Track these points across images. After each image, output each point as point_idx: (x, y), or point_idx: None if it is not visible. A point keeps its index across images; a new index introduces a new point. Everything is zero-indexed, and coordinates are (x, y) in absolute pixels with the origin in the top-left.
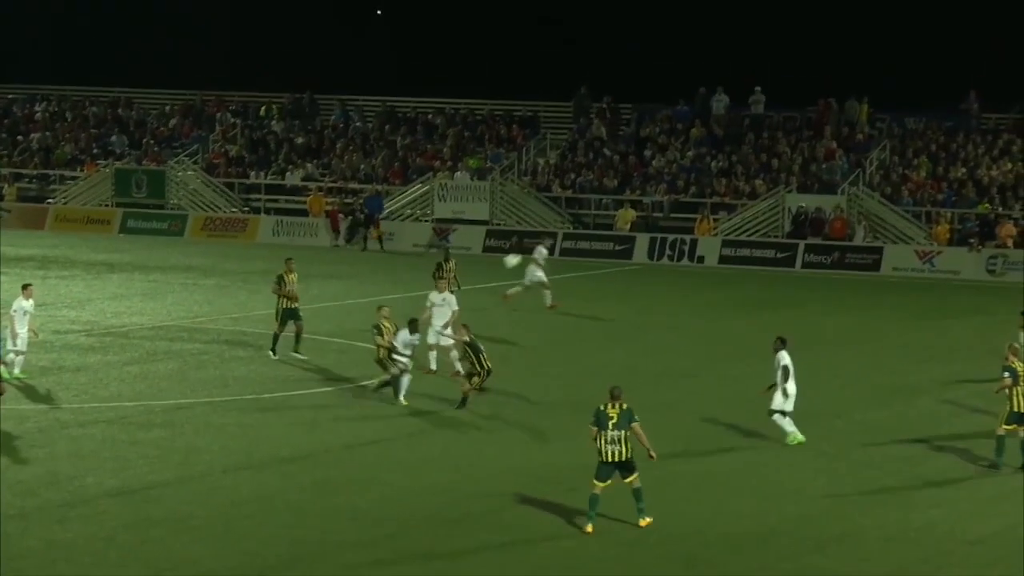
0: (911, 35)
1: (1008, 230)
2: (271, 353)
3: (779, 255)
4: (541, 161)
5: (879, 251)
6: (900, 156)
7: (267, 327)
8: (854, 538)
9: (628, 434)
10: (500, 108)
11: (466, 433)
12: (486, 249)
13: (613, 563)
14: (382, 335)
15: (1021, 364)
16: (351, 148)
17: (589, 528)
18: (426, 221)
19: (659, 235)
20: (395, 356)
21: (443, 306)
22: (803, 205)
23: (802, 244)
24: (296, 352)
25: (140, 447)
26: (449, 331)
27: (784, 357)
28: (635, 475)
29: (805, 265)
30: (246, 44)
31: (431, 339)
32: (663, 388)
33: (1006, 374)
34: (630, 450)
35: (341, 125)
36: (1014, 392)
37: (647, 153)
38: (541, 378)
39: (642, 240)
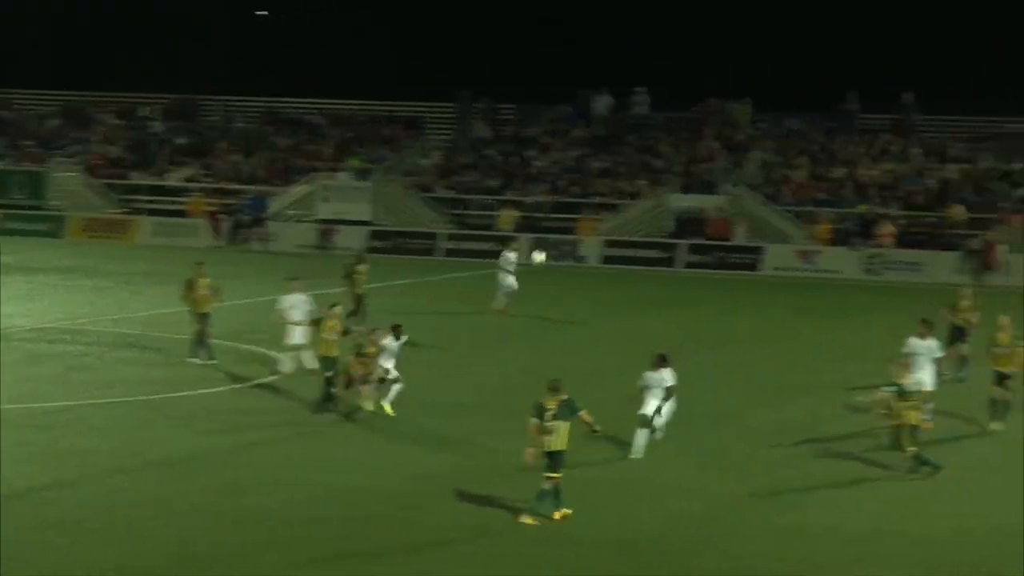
0: (792, 36)
1: (887, 229)
2: (192, 359)
3: (661, 255)
4: (423, 162)
5: (760, 251)
6: (781, 156)
7: (149, 328)
8: (743, 537)
9: (565, 427)
10: (382, 109)
11: (370, 433)
12: (369, 250)
13: (514, 564)
14: (318, 325)
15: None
16: (233, 149)
17: (529, 520)
18: (308, 222)
19: (541, 235)
20: (380, 364)
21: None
22: (685, 205)
23: (684, 244)
24: (203, 356)
25: (29, 448)
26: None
27: (668, 376)
28: (559, 475)
29: (687, 265)
30: (127, 45)
31: (298, 339)
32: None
33: (892, 389)
34: (565, 442)
35: (223, 126)
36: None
37: (529, 153)
38: (443, 378)
39: (524, 240)
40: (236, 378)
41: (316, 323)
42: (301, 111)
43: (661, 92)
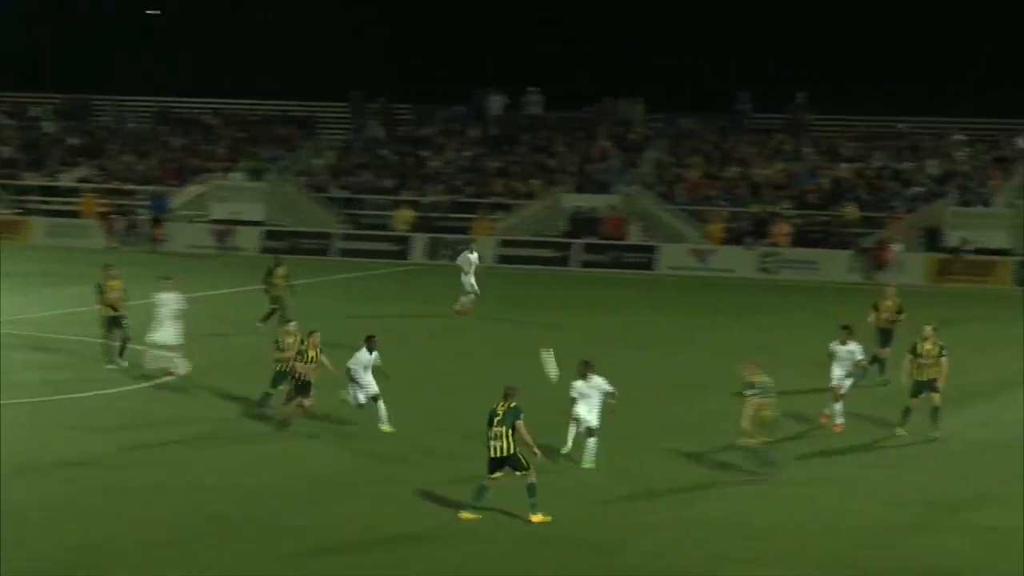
0: (684, 37)
1: (781, 228)
2: (110, 365)
3: (555, 254)
4: (318, 162)
5: (654, 250)
6: (674, 156)
7: (47, 330)
8: (640, 536)
9: (511, 431)
10: (276, 109)
11: (254, 437)
12: (263, 250)
13: (387, 567)
14: (281, 349)
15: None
16: (126, 149)
17: (468, 515)
18: (202, 222)
19: (436, 235)
20: (355, 380)
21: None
22: (579, 204)
23: (578, 243)
24: (119, 360)
25: None
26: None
27: (601, 382)
28: (527, 471)
29: (582, 264)
30: (18, 44)
31: (167, 339)
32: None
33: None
34: (512, 447)
35: (116, 126)
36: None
37: (424, 153)
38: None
39: (419, 240)
40: (138, 379)
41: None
42: (194, 111)
43: (555, 92)
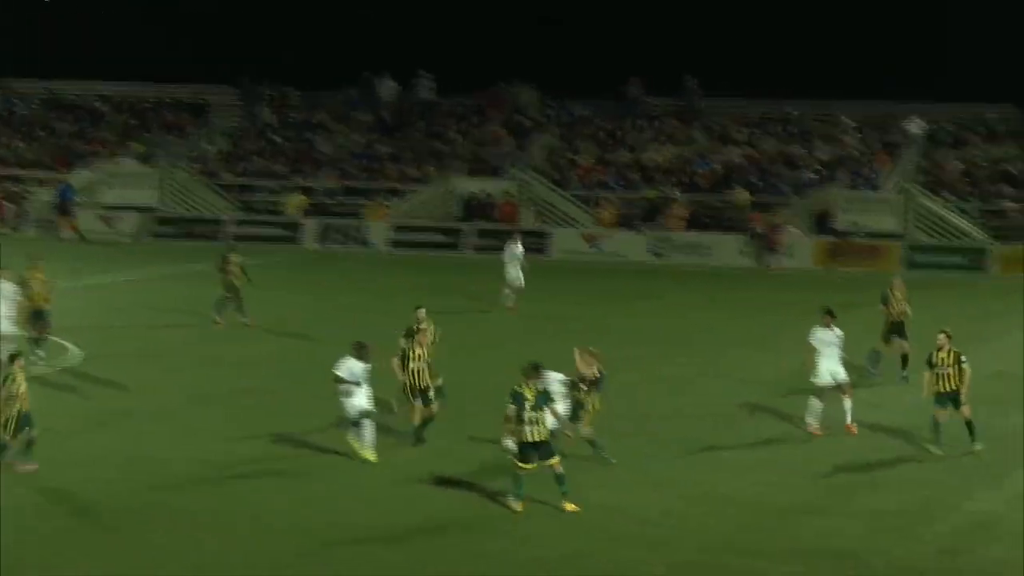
0: (575, 22)
1: (673, 213)
2: (31, 356)
3: (448, 239)
4: (209, 147)
5: (547, 235)
6: (567, 141)
7: None
8: (524, 519)
9: (544, 415)
10: (166, 94)
11: (136, 426)
12: (155, 235)
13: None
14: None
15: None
16: (13, 135)
17: (519, 506)
18: (92, 208)
19: (329, 220)
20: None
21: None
22: (472, 190)
23: (471, 228)
24: (39, 352)
25: None
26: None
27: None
28: (555, 459)
29: (474, 249)
30: None
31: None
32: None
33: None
34: (547, 432)
35: (2, 111)
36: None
37: (316, 139)
38: (209, 368)
39: (312, 225)
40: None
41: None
42: (83, 96)
43: (446, 77)
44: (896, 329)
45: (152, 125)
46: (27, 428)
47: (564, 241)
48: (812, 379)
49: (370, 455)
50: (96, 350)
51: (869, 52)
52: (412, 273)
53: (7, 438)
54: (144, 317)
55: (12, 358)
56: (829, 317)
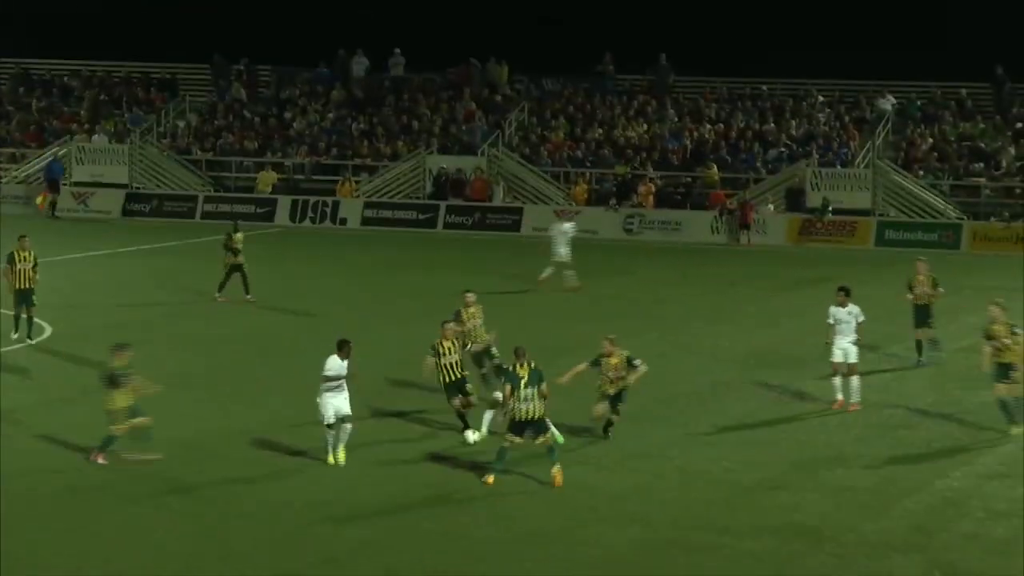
0: None
1: (645, 189)
2: (14, 334)
3: (421, 216)
4: (180, 124)
5: (519, 211)
6: (538, 117)
7: None
8: (496, 497)
9: (538, 392)
10: (137, 71)
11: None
12: (125, 213)
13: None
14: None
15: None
16: None
17: (490, 479)
18: (64, 185)
19: (301, 197)
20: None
21: None
22: (444, 166)
23: (443, 205)
24: (28, 338)
25: None
26: None
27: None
28: (548, 434)
29: (446, 226)
30: None
31: None
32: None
33: (637, 361)
34: (541, 409)
35: None
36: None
37: (287, 115)
38: (180, 344)
39: (284, 202)
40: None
41: None
42: (53, 73)
43: (418, 54)
44: (920, 313)
45: (123, 102)
46: (137, 417)
47: (536, 217)
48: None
49: (340, 457)
50: (65, 327)
51: (840, 29)
52: (386, 249)
53: (118, 429)
54: (115, 294)
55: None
56: (844, 295)
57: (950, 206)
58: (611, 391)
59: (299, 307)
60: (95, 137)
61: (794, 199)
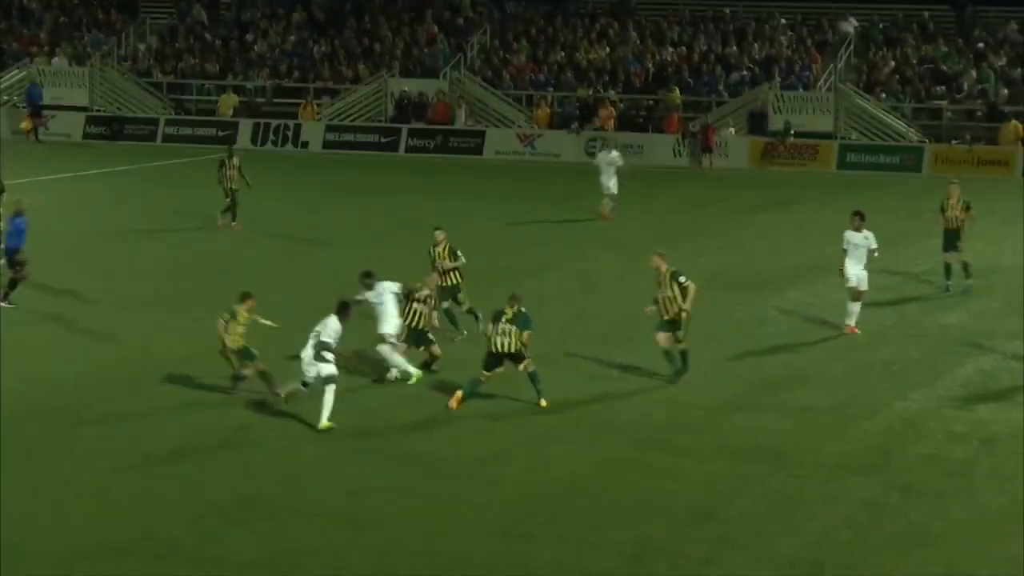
0: None
1: (607, 113)
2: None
3: (383, 139)
4: (141, 46)
5: (481, 135)
6: (501, 40)
7: None
8: (458, 421)
9: (518, 332)
10: None
11: (60, 327)
12: (86, 136)
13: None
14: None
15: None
16: None
17: (454, 403)
18: (23, 108)
19: (262, 120)
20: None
21: None
22: (406, 89)
23: (405, 128)
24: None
25: None
26: None
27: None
28: (527, 361)
29: (408, 149)
30: None
31: None
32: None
33: (682, 278)
34: (517, 345)
35: None
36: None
37: (249, 38)
38: (138, 270)
39: (245, 126)
40: None
41: None
42: None
43: None
44: (950, 237)
45: (83, 24)
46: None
47: (498, 141)
48: (844, 282)
49: (325, 423)
50: (26, 251)
51: None
52: (348, 172)
53: (239, 368)
54: (75, 218)
55: (243, 297)
56: (859, 219)
57: (912, 129)
58: (667, 316)
59: (262, 231)
60: (55, 60)
61: (756, 122)
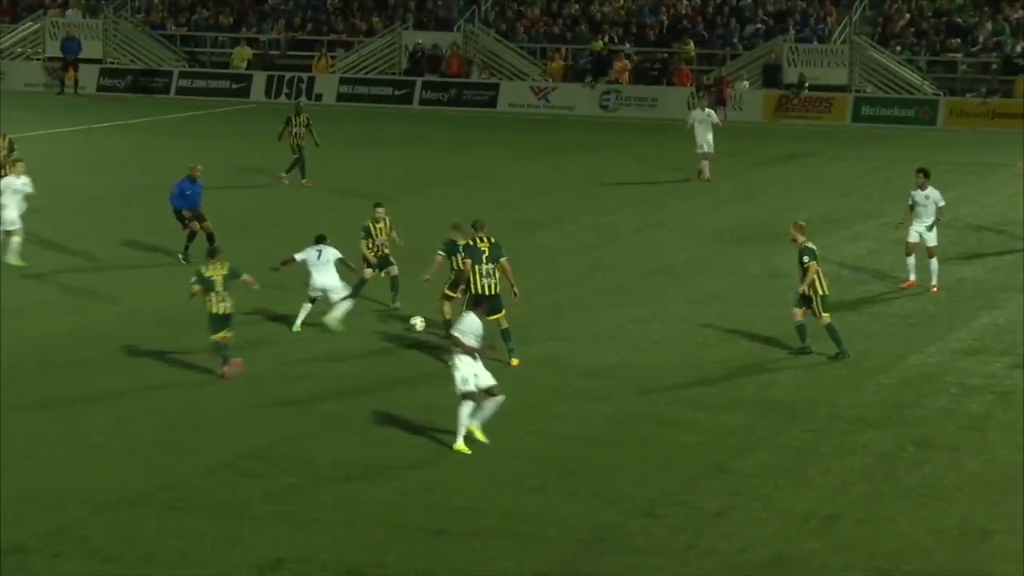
0: None
1: (621, 66)
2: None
3: (396, 92)
4: None
5: (495, 88)
6: None
7: None
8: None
9: (498, 269)
10: None
11: (76, 279)
12: (100, 88)
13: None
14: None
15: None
16: None
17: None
18: (37, 60)
19: (276, 73)
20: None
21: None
22: (420, 42)
23: (419, 81)
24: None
25: None
26: None
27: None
28: (502, 314)
29: (422, 102)
30: None
31: None
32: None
33: (805, 257)
34: (499, 286)
35: None
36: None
37: None
38: (153, 223)
39: (259, 78)
40: None
41: None
42: None
43: None
44: None
45: None
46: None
47: (512, 94)
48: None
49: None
50: (41, 202)
51: None
52: (361, 126)
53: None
54: (90, 170)
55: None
56: (923, 177)
57: (926, 82)
58: (803, 290)
59: (278, 185)
60: (68, 12)
61: (770, 75)
